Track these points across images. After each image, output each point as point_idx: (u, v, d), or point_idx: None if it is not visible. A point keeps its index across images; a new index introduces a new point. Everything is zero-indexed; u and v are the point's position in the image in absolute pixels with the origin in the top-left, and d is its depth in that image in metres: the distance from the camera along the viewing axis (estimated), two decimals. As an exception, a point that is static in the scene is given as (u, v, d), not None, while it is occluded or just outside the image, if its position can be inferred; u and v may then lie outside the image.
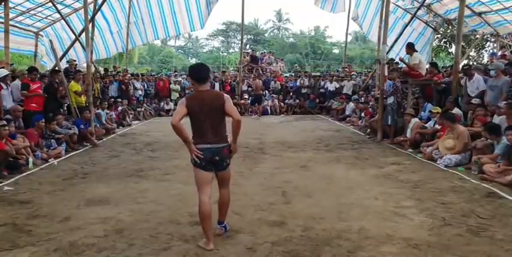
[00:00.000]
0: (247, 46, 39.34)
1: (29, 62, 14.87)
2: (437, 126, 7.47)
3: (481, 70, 8.15)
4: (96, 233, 3.56)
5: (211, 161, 3.30)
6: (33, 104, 7.72)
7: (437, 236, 3.44)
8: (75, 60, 12.13)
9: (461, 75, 8.33)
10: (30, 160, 6.30)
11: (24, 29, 12.39)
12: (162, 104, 15.79)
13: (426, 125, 7.93)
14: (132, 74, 16.11)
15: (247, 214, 4.03)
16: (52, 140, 7.41)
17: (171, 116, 15.40)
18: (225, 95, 3.38)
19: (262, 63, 19.72)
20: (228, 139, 3.37)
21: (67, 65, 11.37)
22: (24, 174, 5.84)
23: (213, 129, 3.28)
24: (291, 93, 16.85)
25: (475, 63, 14.37)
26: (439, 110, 7.71)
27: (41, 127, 7.26)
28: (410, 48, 9.05)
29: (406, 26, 13.26)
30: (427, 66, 9.60)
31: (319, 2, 17.32)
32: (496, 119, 6.34)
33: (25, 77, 7.96)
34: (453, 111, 7.35)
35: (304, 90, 16.70)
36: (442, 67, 12.15)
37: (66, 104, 9.05)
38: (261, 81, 16.01)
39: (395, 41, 12.96)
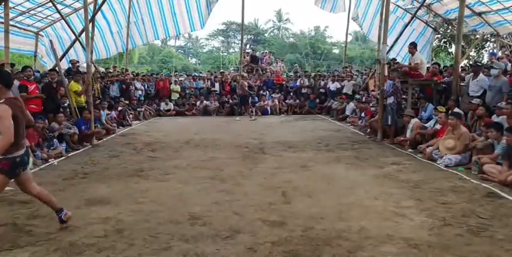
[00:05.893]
0: (247, 46, 39.35)
1: (29, 62, 14.87)
2: (437, 126, 7.46)
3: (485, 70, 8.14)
4: (96, 233, 3.56)
5: None
6: (33, 105, 7.68)
7: (438, 236, 3.44)
8: (78, 62, 12.13)
9: (462, 74, 8.31)
10: (30, 160, 6.28)
11: (24, 29, 12.39)
12: (161, 104, 15.78)
13: (426, 125, 7.92)
14: (132, 73, 16.12)
15: (247, 214, 4.03)
16: (55, 140, 7.40)
17: (171, 116, 15.22)
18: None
19: (262, 63, 19.73)
20: None
21: (69, 65, 11.37)
22: (24, 174, 5.83)
23: None
24: (291, 93, 16.86)
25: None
26: (444, 109, 7.69)
27: (42, 128, 7.25)
28: (414, 47, 9.04)
29: (406, 26, 13.28)
30: (430, 66, 9.60)
31: (319, 2, 17.35)
32: (496, 120, 6.34)
33: (21, 78, 7.76)
34: (454, 110, 7.34)
35: (304, 90, 16.71)
36: (442, 67, 12.14)
37: (65, 104, 9.03)
38: (246, 82, 15.53)
39: (396, 41, 12.97)
